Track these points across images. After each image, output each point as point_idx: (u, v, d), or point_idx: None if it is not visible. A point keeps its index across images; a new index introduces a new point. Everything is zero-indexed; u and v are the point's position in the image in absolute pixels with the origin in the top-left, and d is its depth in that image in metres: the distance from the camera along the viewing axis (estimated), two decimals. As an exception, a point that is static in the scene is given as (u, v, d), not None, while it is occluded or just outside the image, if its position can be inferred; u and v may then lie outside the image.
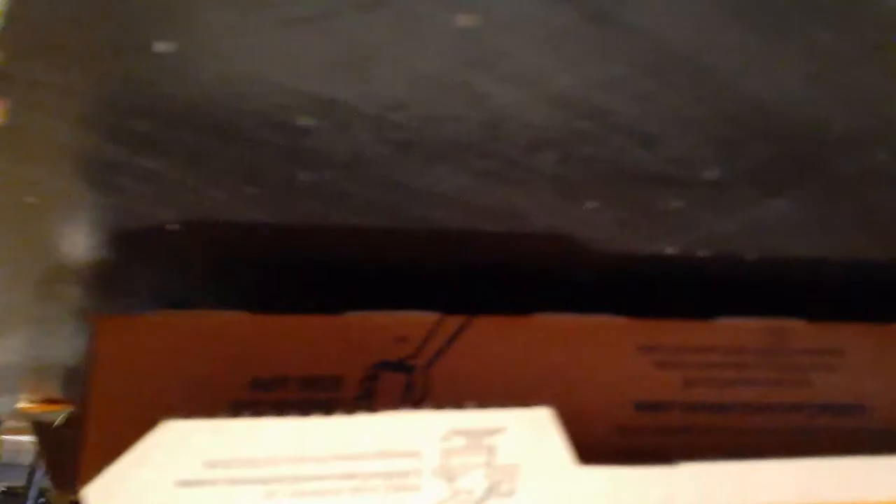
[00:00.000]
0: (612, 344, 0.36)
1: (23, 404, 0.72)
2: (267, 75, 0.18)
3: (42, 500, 1.86)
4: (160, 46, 0.17)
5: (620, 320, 0.36)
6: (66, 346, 0.46)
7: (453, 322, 0.36)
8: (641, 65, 0.19)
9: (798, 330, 0.37)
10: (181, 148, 0.22)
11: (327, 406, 0.35)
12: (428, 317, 0.36)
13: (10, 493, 1.89)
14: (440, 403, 0.35)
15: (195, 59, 0.17)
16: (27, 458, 1.82)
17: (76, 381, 0.58)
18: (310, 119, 0.20)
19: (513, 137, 0.21)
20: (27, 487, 1.84)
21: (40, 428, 0.36)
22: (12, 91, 0.20)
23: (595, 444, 0.35)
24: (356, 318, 0.36)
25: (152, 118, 0.20)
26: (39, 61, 0.18)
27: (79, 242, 0.31)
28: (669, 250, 0.31)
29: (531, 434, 0.31)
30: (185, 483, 0.30)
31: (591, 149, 0.22)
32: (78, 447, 0.33)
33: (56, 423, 0.43)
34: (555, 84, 0.19)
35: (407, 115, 0.20)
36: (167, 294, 0.35)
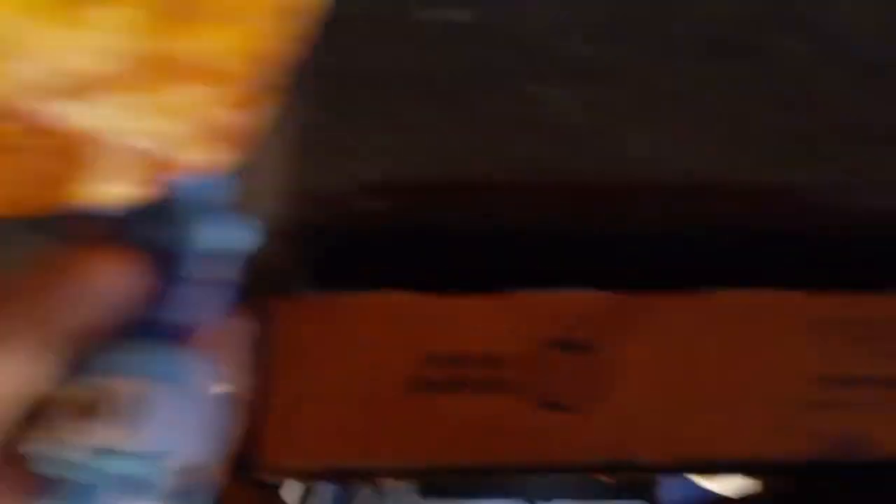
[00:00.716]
0: (796, 319, 0.35)
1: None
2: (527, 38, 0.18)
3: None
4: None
5: (803, 295, 0.35)
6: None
7: (627, 300, 0.35)
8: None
9: None
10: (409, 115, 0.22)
11: (502, 384, 0.35)
12: (601, 295, 0.35)
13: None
14: (618, 382, 0.34)
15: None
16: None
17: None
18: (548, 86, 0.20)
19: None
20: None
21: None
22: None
23: (782, 424, 0.34)
24: (528, 297, 0.35)
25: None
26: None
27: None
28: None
29: None
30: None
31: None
32: (257, 426, 0.33)
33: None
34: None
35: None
36: (340, 276, 0.35)
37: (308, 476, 0.35)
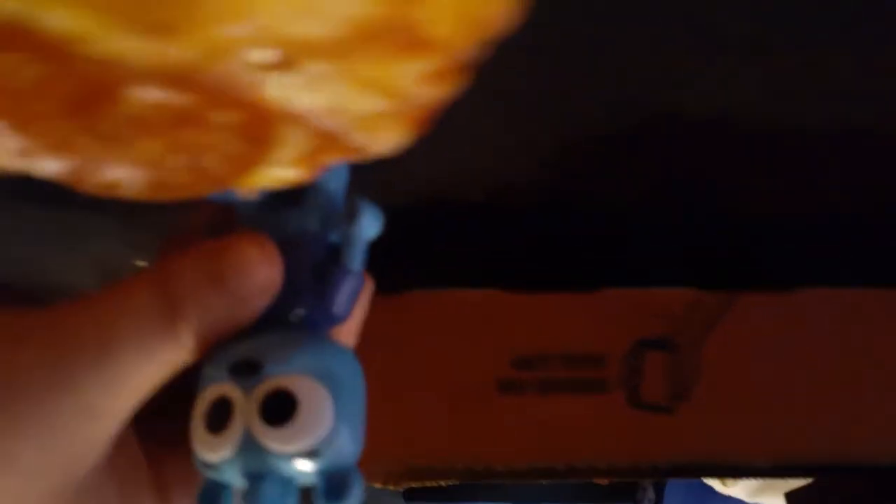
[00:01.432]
0: (886, 316, 0.34)
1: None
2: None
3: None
4: None
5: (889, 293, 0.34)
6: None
7: (714, 298, 0.34)
8: None
9: None
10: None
11: (593, 385, 0.34)
12: (686, 293, 0.34)
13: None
14: (708, 382, 0.33)
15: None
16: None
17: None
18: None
19: None
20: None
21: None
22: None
23: (877, 426, 0.33)
24: (612, 295, 0.34)
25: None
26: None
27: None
28: None
29: None
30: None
31: None
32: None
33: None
34: None
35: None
36: (424, 273, 0.34)
37: (391, 479, 0.34)
